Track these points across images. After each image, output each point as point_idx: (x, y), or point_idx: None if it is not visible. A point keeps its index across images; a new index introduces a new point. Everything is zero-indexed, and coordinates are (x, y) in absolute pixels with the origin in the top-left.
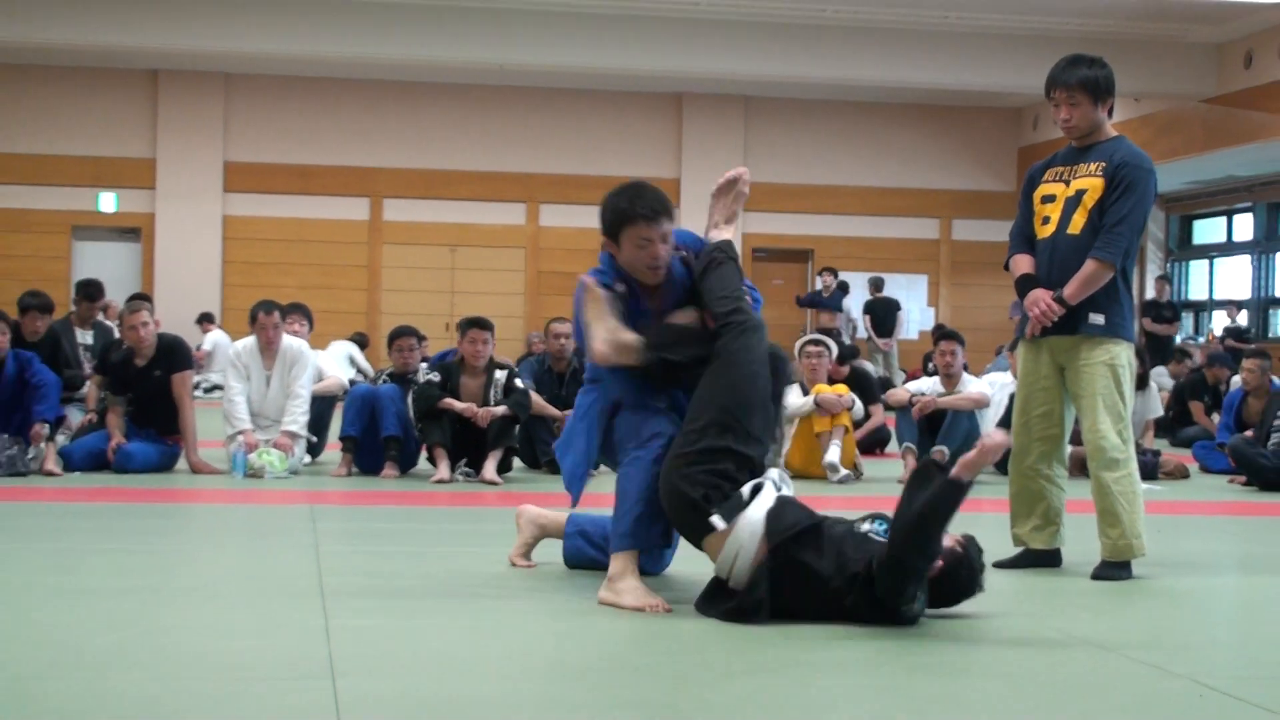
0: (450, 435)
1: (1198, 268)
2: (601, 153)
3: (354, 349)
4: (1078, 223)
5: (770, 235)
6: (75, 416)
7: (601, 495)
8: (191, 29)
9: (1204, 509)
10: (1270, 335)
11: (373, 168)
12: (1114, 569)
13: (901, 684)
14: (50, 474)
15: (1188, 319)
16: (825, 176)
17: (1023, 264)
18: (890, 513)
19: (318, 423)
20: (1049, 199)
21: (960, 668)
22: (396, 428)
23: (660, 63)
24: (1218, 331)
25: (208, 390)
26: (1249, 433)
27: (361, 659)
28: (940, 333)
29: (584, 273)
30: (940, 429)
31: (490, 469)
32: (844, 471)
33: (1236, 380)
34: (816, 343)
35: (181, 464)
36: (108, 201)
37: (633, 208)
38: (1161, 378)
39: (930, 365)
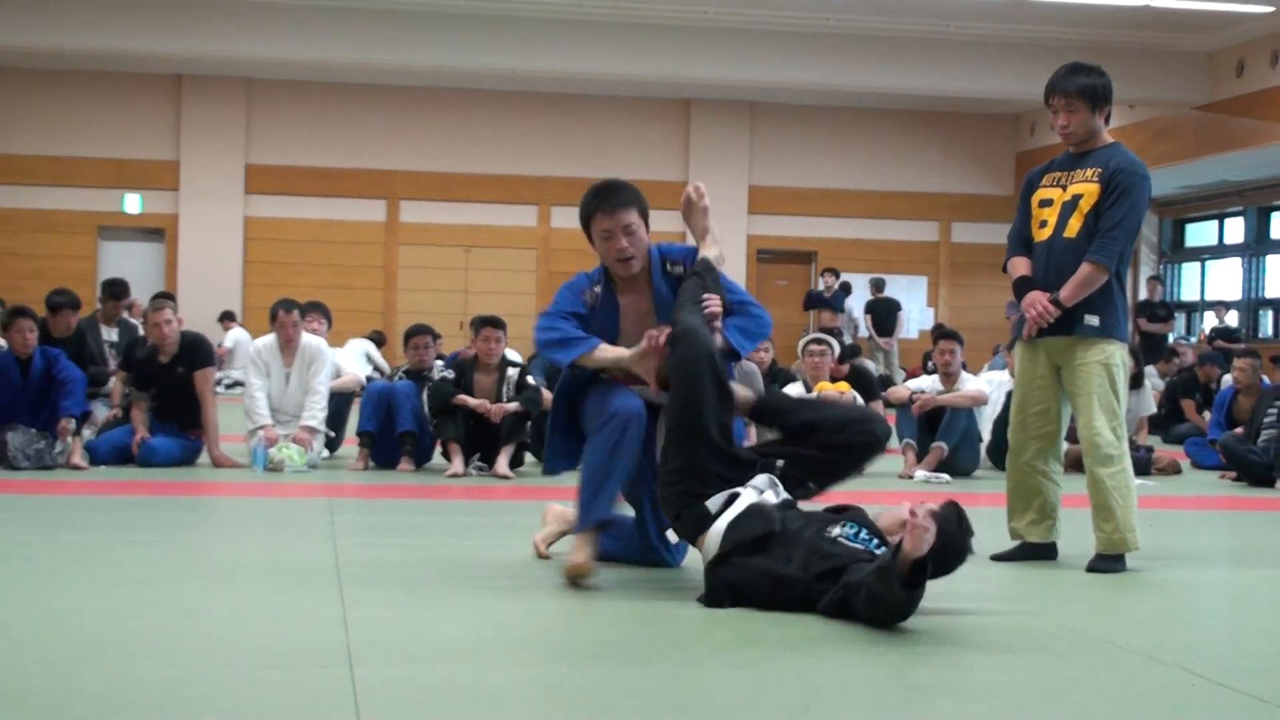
0: (464, 431)
1: (1190, 270)
2: (612, 157)
3: (371, 347)
4: (1074, 227)
5: (774, 237)
6: (101, 412)
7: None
8: (214, 35)
9: (1196, 504)
10: (1260, 335)
11: (390, 171)
12: (1108, 562)
13: (899, 673)
14: (76, 468)
15: (1180, 319)
16: (828, 180)
17: (1020, 266)
18: (857, 512)
19: (335, 418)
20: (1046, 203)
21: (957, 657)
22: (412, 423)
23: (669, 69)
24: (1208, 332)
25: (229, 386)
26: (1239, 430)
27: (378, 647)
28: (939, 332)
29: (586, 272)
30: (939, 426)
31: (503, 463)
32: None
33: (1227, 379)
34: (819, 342)
35: (203, 458)
36: (133, 203)
37: (594, 202)
38: (1151, 377)
39: (930, 364)
